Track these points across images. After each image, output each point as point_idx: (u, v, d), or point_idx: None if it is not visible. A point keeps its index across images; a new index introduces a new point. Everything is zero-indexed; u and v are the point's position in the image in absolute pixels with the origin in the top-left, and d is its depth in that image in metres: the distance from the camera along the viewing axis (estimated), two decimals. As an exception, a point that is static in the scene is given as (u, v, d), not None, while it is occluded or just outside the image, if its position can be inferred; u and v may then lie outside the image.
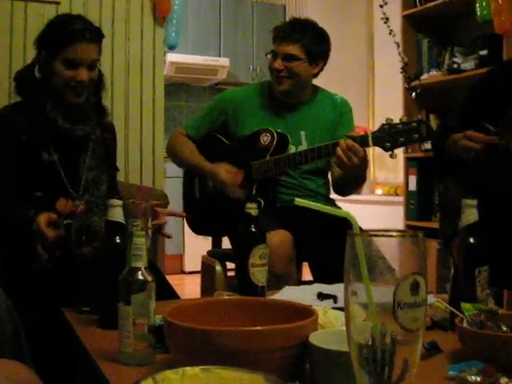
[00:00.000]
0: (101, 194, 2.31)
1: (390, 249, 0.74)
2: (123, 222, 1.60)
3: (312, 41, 2.76)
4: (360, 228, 0.78)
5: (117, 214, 1.59)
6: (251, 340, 1.07)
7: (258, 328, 1.10)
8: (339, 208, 2.73)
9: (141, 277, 1.28)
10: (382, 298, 0.74)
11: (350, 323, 0.77)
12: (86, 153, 2.34)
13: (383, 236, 0.75)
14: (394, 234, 0.75)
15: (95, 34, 2.25)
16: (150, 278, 1.29)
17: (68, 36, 2.21)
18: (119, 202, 1.60)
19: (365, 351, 0.75)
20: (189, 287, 5.25)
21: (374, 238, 0.74)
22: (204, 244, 3.36)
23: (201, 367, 0.94)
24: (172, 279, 2.69)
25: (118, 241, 1.58)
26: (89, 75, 2.24)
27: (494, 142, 2.15)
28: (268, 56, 2.84)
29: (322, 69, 2.84)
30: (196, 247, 5.17)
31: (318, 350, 1.06)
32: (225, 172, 2.78)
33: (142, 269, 1.29)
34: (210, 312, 1.30)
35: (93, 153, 2.35)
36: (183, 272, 6.15)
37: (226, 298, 1.57)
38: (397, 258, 0.75)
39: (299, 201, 0.81)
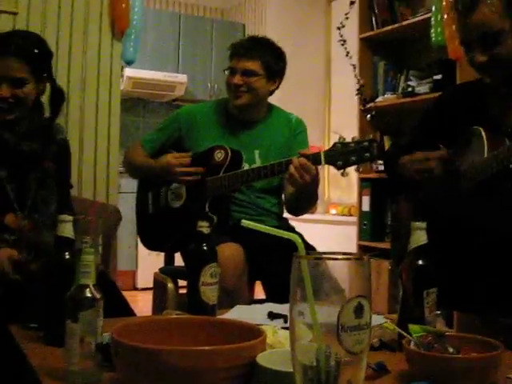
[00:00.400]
0: (49, 214, 2.27)
1: (335, 271, 0.75)
2: (73, 237, 1.58)
3: (271, 58, 2.79)
4: (309, 248, 0.79)
5: (67, 229, 1.57)
6: (198, 360, 1.06)
7: (205, 348, 1.09)
8: (291, 227, 2.75)
9: (89, 294, 1.27)
10: (327, 319, 0.74)
11: (296, 344, 0.77)
12: (36, 172, 2.30)
13: (327, 258, 0.76)
14: (339, 256, 0.76)
15: (20, 50, 2.19)
16: (98, 296, 1.28)
17: None
18: (69, 218, 1.58)
19: (309, 372, 0.75)
20: (141, 304, 5.19)
21: (320, 261, 0.75)
22: (157, 260, 3.34)
23: (146, 387, 0.93)
24: (124, 295, 2.66)
25: (66, 257, 1.55)
26: (11, 92, 2.19)
27: (445, 158, 2.20)
28: (225, 72, 2.85)
29: (277, 87, 2.87)
30: (149, 263, 5.13)
31: (265, 371, 1.06)
32: (171, 156, 2.84)
33: (91, 286, 1.28)
34: (158, 331, 1.29)
35: (42, 171, 2.31)
36: (136, 288, 6.09)
37: (175, 316, 1.56)
38: (342, 280, 0.75)
39: (246, 223, 0.82)
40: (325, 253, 0.76)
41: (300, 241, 0.78)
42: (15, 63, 2.18)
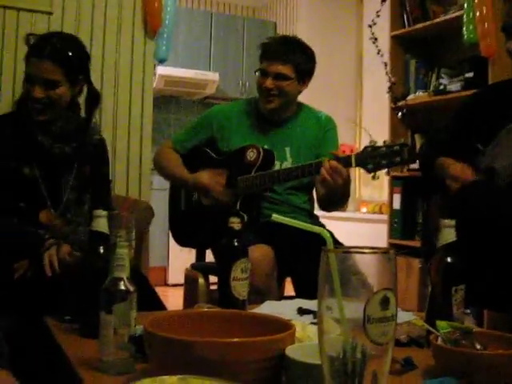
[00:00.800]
0: (82, 213, 2.31)
1: (361, 264, 0.77)
2: (107, 232, 1.61)
3: (302, 60, 2.80)
4: (338, 243, 0.81)
5: (101, 224, 1.61)
6: (229, 351, 1.08)
7: (236, 340, 1.12)
8: (322, 224, 2.77)
9: (123, 287, 1.30)
10: (354, 313, 0.76)
11: (323, 337, 0.79)
12: (70, 173, 2.34)
13: (355, 252, 0.78)
14: (366, 250, 0.78)
15: (54, 53, 2.22)
16: (131, 288, 1.31)
17: (29, 51, 2.25)
18: (104, 213, 1.62)
19: (336, 364, 0.77)
20: (172, 299, 5.25)
21: (348, 254, 0.77)
22: (188, 257, 3.37)
23: (178, 377, 0.95)
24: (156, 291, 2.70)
25: (101, 251, 1.59)
26: (44, 93, 2.23)
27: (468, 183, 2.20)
28: (256, 74, 2.87)
29: (307, 86, 2.88)
30: (180, 260, 5.19)
31: (294, 363, 1.08)
32: (207, 177, 2.81)
33: (125, 279, 1.31)
34: (189, 323, 1.31)
35: (77, 174, 2.35)
36: (167, 284, 6.15)
37: (206, 310, 1.58)
38: (369, 274, 0.77)
39: (276, 217, 0.84)
40: (352, 247, 0.78)
41: (328, 235, 0.80)
42: (49, 65, 2.21)
